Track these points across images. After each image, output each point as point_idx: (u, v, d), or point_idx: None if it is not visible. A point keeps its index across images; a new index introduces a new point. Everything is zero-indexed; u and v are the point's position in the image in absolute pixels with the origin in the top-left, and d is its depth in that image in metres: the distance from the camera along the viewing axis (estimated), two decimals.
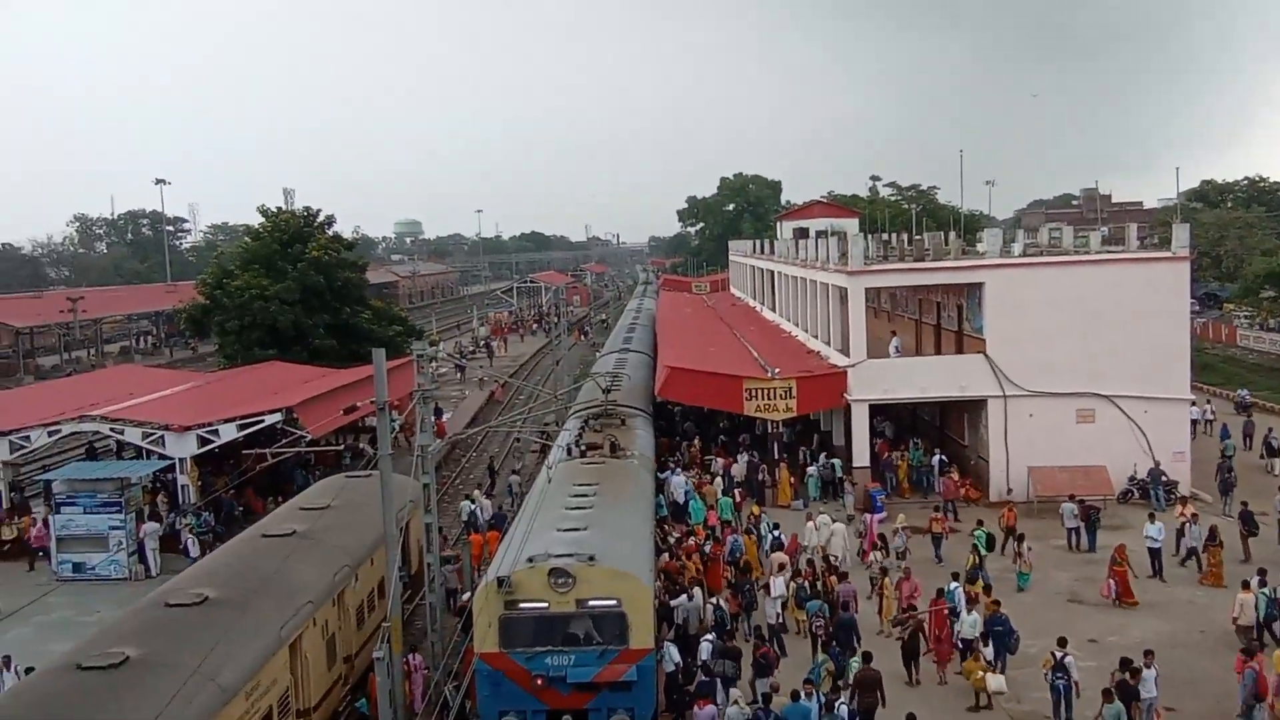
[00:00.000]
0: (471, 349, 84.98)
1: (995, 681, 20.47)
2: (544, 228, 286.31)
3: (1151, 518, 28.22)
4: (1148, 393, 34.13)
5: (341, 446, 41.88)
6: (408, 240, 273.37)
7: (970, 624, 21.77)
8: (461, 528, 33.31)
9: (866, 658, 19.98)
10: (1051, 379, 34.41)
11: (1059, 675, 19.34)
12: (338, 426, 39.08)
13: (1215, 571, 26.60)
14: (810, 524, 28.54)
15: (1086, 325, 34.17)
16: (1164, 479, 33.41)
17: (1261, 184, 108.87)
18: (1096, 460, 33.74)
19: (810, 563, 25.98)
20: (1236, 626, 22.48)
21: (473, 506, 33.51)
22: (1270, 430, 39.56)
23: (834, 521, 28.80)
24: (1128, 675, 18.68)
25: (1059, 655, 19.57)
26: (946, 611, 22.07)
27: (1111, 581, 25.35)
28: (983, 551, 26.50)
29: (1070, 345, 34.19)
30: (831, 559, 26.34)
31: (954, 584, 23.31)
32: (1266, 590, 22.82)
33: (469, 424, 50.07)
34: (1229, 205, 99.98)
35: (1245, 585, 23.02)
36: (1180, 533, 28.26)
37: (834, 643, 21.69)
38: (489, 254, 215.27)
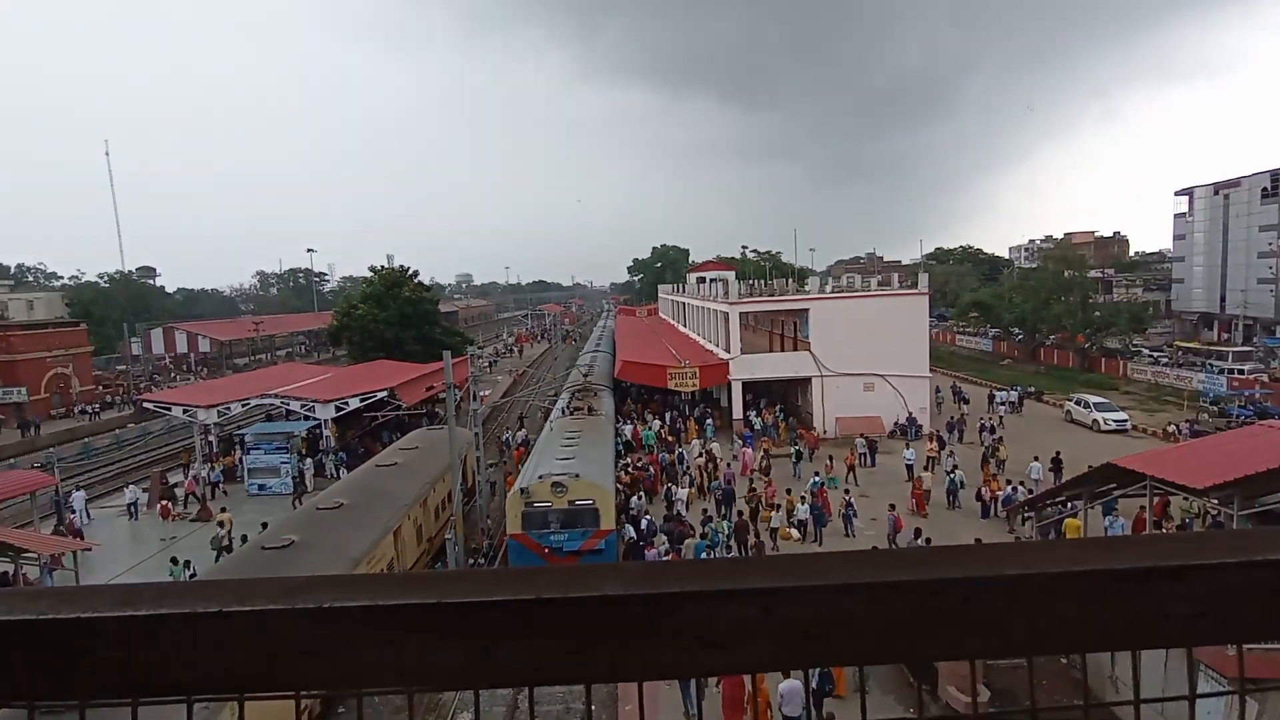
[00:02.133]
0: (505, 350, 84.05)
1: (795, 534, 21.72)
2: (546, 276, 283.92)
3: (907, 446, 28.74)
4: (904, 372, 34.68)
5: (424, 412, 41.29)
6: (463, 285, 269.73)
7: (803, 510, 22.06)
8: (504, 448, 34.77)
9: (742, 514, 21.52)
10: (849, 364, 34.83)
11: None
12: (421, 399, 38.61)
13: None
14: (698, 443, 30.57)
15: (869, 333, 34.59)
16: (916, 423, 34.01)
17: (969, 250, 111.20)
18: (875, 412, 34.23)
19: (709, 454, 28.21)
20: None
21: (507, 436, 35.52)
22: (956, 384, 42.69)
23: (712, 440, 31.37)
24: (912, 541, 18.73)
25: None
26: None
27: (913, 499, 23.46)
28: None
29: (859, 345, 34.60)
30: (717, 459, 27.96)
31: (814, 479, 24.21)
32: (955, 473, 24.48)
33: (503, 396, 49.63)
34: (951, 262, 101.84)
35: (927, 467, 26.14)
36: (935, 461, 27.35)
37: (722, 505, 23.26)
38: (513, 293, 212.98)
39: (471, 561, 22.14)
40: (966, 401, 40.62)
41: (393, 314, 51.54)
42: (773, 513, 22.51)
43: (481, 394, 41.10)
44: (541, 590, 0.69)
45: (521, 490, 18.99)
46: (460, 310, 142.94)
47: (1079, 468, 22.44)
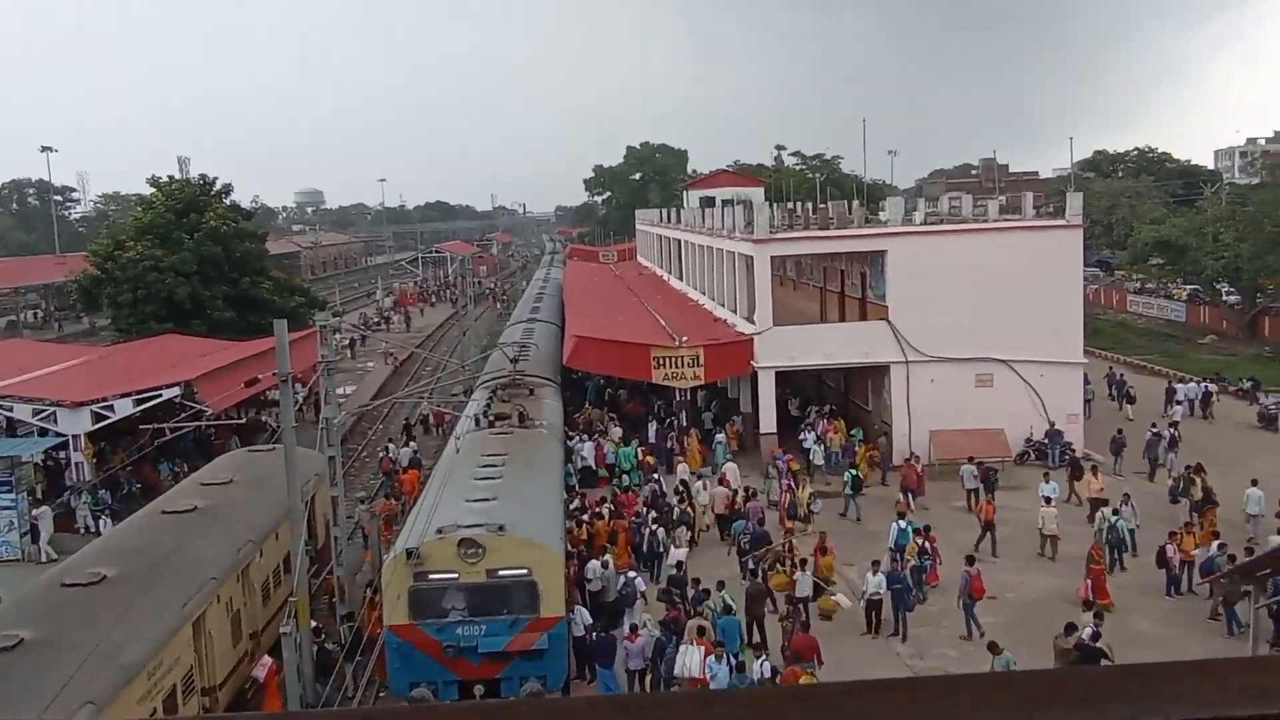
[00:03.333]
0: (379, 319, 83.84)
1: (843, 601, 22.61)
2: (449, 197, 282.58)
3: (1046, 477, 29.18)
4: (1043, 357, 35.10)
5: (242, 422, 41.11)
6: (309, 210, 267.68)
7: (875, 583, 22.35)
8: (381, 481, 36.40)
9: (754, 574, 23.20)
10: (951, 344, 35.16)
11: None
12: (239, 401, 38.36)
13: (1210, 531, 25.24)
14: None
15: (985, 292, 34.93)
16: (1060, 439, 34.47)
17: (1150, 154, 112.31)
18: (994, 423, 34.65)
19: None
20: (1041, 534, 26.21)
21: (389, 450, 37.82)
22: (1120, 375, 43.88)
23: (729, 456, 33.59)
24: (1082, 635, 19.00)
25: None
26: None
27: (1088, 582, 23.10)
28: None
29: (969, 311, 34.91)
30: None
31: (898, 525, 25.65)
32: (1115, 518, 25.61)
33: (375, 395, 49.48)
34: (1120, 175, 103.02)
35: (1047, 501, 27.18)
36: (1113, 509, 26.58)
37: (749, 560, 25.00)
38: (393, 224, 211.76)
39: (323, 677, 22.16)
40: (1131, 400, 41.47)
41: (188, 258, 51.28)
42: (831, 591, 22.97)
43: (341, 392, 40.83)
44: None
45: (408, 553, 19.02)
46: (304, 252, 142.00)
47: None
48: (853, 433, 35.03)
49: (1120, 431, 34.72)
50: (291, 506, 20.59)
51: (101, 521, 30.61)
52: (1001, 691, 0.81)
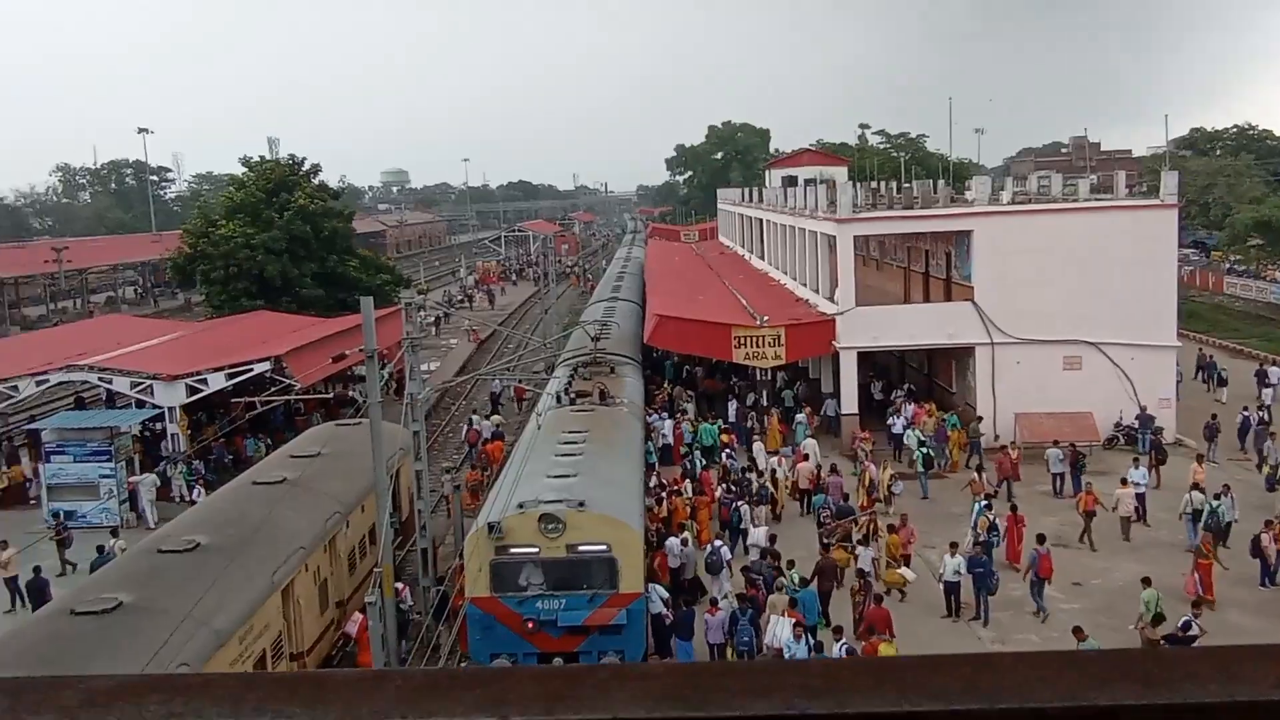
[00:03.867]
0: (462, 296, 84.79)
1: (907, 574, 22.67)
2: (531, 176, 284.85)
3: (1136, 463, 28.53)
4: (1135, 340, 34.29)
5: (330, 397, 41.97)
6: (394, 190, 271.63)
7: (953, 567, 22.11)
8: (466, 451, 37.33)
9: (825, 548, 23.14)
10: (1039, 326, 34.51)
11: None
12: (327, 376, 39.13)
13: None
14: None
15: (1074, 272, 34.20)
16: (1151, 424, 33.64)
17: (1250, 132, 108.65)
18: (1082, 407, 33.96)
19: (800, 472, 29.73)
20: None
21: (475, 422, 38.64)
22: (1210, 356, 42.90)
23: (809, 433, 33.42)
24: (1176, 630, 18.70)
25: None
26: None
27: (1196, 576, 22.23)
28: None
29: (1058, 292, 34.21)
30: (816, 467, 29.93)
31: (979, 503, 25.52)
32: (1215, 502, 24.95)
33: (459, 371, 50.13)
34: (1218, 153, 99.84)
35: (1123, 482, 26.77)
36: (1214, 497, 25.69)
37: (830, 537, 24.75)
38: (476, 203, 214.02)
39: (408, 642, 22.59)
40: (1223, 383, 40.50)
41: (278, 236, 52.33)
42: (895, 565, 23.02)
43: (425, 368, 41.42)
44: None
45: (490, 527, 19.29)
46: (390, 231, 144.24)
47: None
48: (945, 416, 34.25)
49: (1214, 417, 33.76)
50: (377, 479, 20.97)
51: (196, 491, 31.52)
52: (1073, 668, 0.84)
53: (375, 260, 62.26)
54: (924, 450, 30.81)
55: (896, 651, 18.68)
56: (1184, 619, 19.04)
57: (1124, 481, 27.05)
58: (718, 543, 24.12)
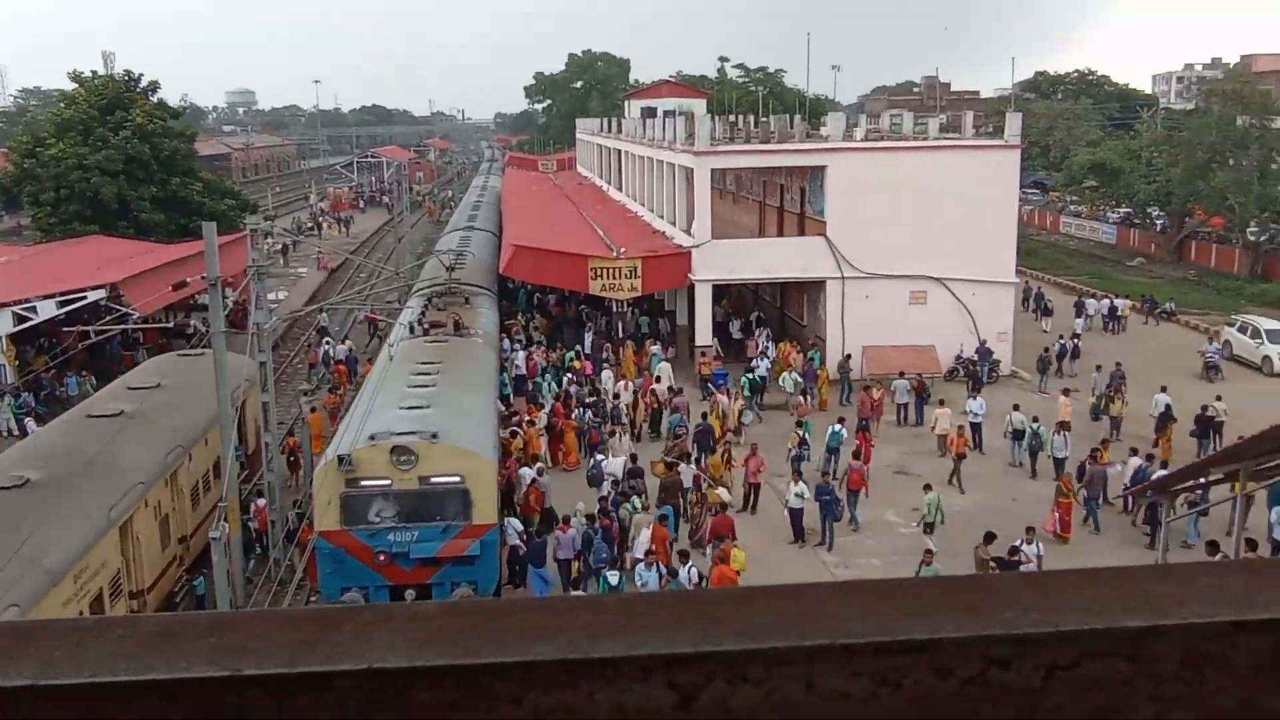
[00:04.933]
0: (312, 223, 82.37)
1: (724, 494, 23.02)
2: (386, 101, 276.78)
3: (975, 394, 29.77)
4: (976, 276, 35.52)
5: (170, 326, 40.45)
6: (240, 111, 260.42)
7: (796, 493, 22.75)
8: (321, 373, 37.76)
9: (669, 466, 23.68)
10: (887, 262, 35.39)
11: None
12: (167, 304, 37.67)
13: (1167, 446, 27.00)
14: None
15: (922, 210, 35.04)
16: (990, 357, 35.09)
17: (1090, 77, 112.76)
18: (926, 340, 35.15)
19: (653, 392, 30.39)
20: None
21: (326, 347, 38.66)
22: (1038, 289, 46.02)
23: (662, 360, 33.59)
24: (1005, 553, 19.51)
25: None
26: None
27: (1056, 514, 23.03)
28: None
29: (906, 229, 35.03)
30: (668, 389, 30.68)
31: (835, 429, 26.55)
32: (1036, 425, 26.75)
33: (309, 301, 48.84)
34: (1059, 97, 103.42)
35: (940, 403, 29.00)
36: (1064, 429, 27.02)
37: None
38: (327, 127, 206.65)
39: (257, 575, 22.18)
40: (1049, 313, 43.37)
41: (114, 156, 49.92)
42: (714, 486, 23.75)
43: (273, 297, 40.24)
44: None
45: (340, 460, 18.96)
46: (235, 154, 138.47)
47: (1238, 431, 23.68)
48: (810, 355, 34.50)
49: (1046, 350, 35.53)
50: (221, 411, 20.35)
51: (27, 424, 30.09)
52: (891, 599, 0.81)
53: (219, 184, 60.02)
54: (750, 378, 31.79)
55: (745, 557, 19.73)
56: (1015, 542, 20.04)
57: (941, 402, 29.03)
58: (599, 456, 25.14)
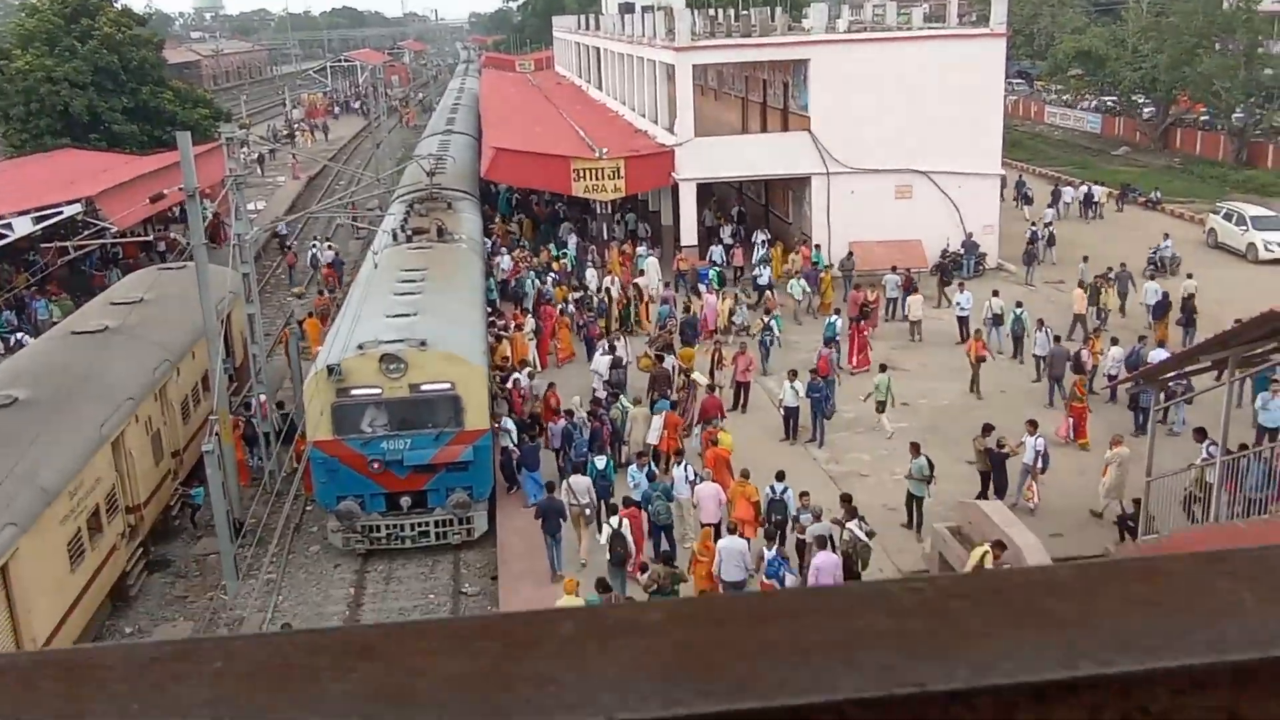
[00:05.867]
0: (287, 132, 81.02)
1: (700, 378, 23.85)
2: (357, 3, 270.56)
3: (961, 287, 29.74)
4: (961, 168, 35.24)
5: (149, 239, 39.95)
6: (207, 17, 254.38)
7: (791, 393, 22.84)
8: (311, 274, 38.88)
9: (659, 358, 24.37)
10: (872, 156, 35.05)
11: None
12: (145, 217, 37.14)
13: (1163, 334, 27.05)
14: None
15: (907, 102, 34.61)
16: (976, 251, 34.99)
17: None
18: (913, 235, 34.99)
19: (635, 286, 31.07)
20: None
21: (314, 251, 39.42)
22: (1019, 177, 46.09)
23: (649, 255, 34.12)
24: (995, 443, 19.52)
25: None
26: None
27: (1069, 420, 22.66)
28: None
29: (890, 122, 34.62)
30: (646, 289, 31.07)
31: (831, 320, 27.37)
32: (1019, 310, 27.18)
33: (288, 211, 48.25)
34: None
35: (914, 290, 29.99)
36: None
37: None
38: (298, 31, 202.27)
39: (251, 490, 22.26)
40: (1029, 201, 43.40)
41: (81, 67, 48.75)
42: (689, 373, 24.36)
43: (252, 207, 39.74)
44: None
45: (329, 370, 18.88)
46: (205, 61, 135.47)
47: (1223, 320, 23.76)
48: (814, 258, 33.74)
49: (1032, 243, 35.46)
50: (206, 324, 20.20)
51: (17, 338, 29.82)
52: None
53: (191, 93, 58.88)
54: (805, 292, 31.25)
55: (732, 440, 20.26)
56: (1028, 439, 19.90)
57: (916, 289, 30.17)
58: (603, 343, 25.78)
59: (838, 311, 27.78)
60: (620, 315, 30.08)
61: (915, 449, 19.39)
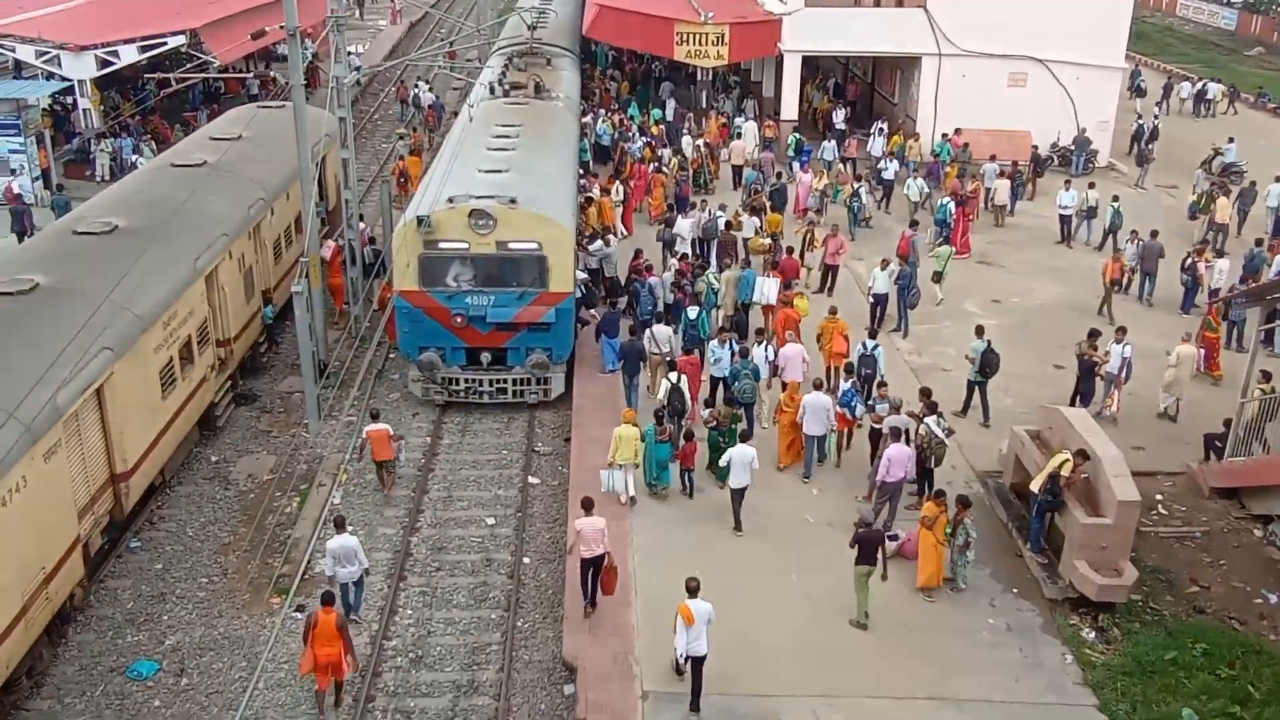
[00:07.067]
0: None
1: (765, 242, 24.65)
2: None
3: (1067, 184, 28.67)
4: (1081, 59, 33.60)
5: (252, 75, 40.06)
6: None
7: (881, 280, 22.43)
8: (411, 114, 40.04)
9: (772, 238, 24.79)
10: (987, 39, 33.55)
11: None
12: (246, 53, 37.17)
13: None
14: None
15: None
16: (1089, 147, 33.61)
17: None
18: (1022, 125, 33.67)
19: (707, 145, 31.76)
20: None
21: (417, 91, 40.36)
22: (1135, 68, 43.73)
23: (746, 120, 34.31)
24: (1090, 345, 19.12)
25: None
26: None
27: (1201, 350, 20.99)
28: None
29: (1010, 4, 32.90)
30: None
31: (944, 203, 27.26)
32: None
33: (389, 55, 47.94)
34: None
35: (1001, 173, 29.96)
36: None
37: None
38: None
39: (336, 334, 22.68)
40: (1142, 94, 42.03)
41: None
42: (763, 237, 25.09)
43: (352, 50, 39.42)
44: None
45: (419, 220, 18.90)
46: None
47: None
48: (935, 149, 32.47)
49: (1137, 139, 34.10)
50: (301, 165, 20.25)
51: (115, 170, 30.40)
52: None
53: None
54: (921, 193, 29.47)
55: (808, 304, 21.31)
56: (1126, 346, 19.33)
57: (1002, 173, 30.13)
58: (671, 214, 26.32)
59: (954, 194, 27.66)
60: (693, 176, 30.35)
61: (980, 331, 19.16)
